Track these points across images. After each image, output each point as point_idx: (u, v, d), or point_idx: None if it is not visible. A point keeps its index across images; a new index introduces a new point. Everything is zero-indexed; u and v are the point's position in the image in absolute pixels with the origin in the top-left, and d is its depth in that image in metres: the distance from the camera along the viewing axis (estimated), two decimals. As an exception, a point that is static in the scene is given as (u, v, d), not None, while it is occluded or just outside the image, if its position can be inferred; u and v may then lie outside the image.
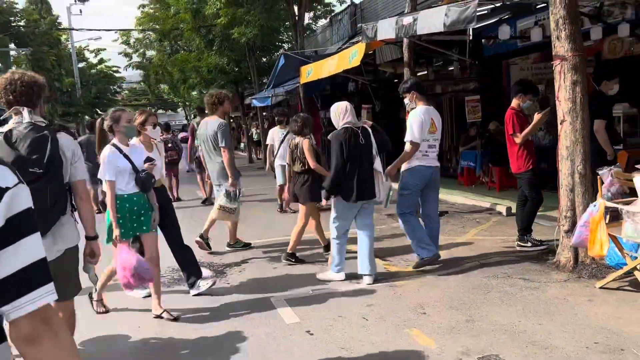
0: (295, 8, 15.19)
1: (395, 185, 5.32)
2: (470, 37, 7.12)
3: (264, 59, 21.18)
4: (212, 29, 16.80)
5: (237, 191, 6.09)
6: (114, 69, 39.07)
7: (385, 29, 6.79)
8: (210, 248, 6.51)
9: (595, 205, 4.30)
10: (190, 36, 17.85)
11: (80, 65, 37.04)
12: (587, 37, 7.47)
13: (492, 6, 7.09)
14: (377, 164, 4.98)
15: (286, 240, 6.00)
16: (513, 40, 10.66)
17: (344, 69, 8.88)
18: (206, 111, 6.54)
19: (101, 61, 36.95)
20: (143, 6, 22.08)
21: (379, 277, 4.98)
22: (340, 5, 18.84)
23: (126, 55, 29.13)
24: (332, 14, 19.67)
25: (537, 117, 5.51)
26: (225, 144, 5.96)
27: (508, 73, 12.27)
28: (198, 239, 6.34)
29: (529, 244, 5.61)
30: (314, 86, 13.40)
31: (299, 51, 12.18)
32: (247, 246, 6.65)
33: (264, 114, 27.28)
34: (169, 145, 10.48)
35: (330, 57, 9.89)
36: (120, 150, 4.08)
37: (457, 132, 12.25)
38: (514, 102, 5.79)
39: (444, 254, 5.70)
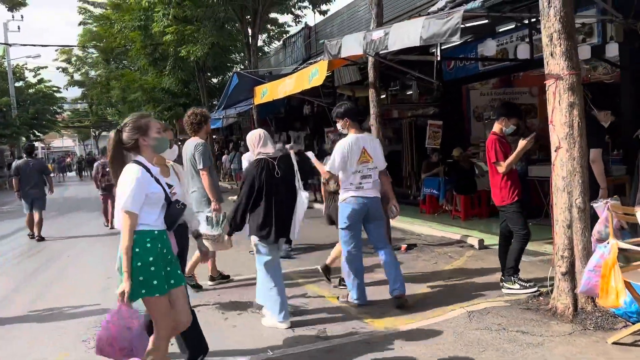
0: (249, 29, 14.49)
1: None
2: (439, 58, 6.58)
3: (215, 80, 20.29)
4: (158, 47, 15.80)
5: (221, 216, 5.13)
6: (55, 88, 36.99)
7: (351, 45, 6.13)
8: (200, 288, 5.70)
9: (606, 246, 3.66)
10: (137, 54, 16.74)
11: (18, 84, 34.83)
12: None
13: (475, 20, 6.56)
14: (301, 197, 4.43)
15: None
16: (473, 64, 10.35)
17: (302, 89, 8.16)
18: (187, 132, 5.70)
19: (41, 81, 34.83)
20: (84, 23, 20.79)
21: (357, 330, 4.18)
22: (296, 25, 18.28)
23: (64, 70, 27.34)
24: (286, 37, 19.09)
25: (521, 143, 4.91)
26: (204, 164, 5.30)
27: (468, 98, 11.96)
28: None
29: (517, 286, 4.94)
30: (268, 108, 12.63)
31: (252, 70, 11.38)
32: (225, 278, 6.00)
33: (214, 137, 26.35)
34: (107, 169, 9.96)
35: (287, 76, 9.14)
36: (151, 173, 3.00)
37: (417, 158, 11.72)
38: (496, 127, 5.18)
39: (420, 296, 5.07)
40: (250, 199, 4.30)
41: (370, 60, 7.02)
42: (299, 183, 4.43)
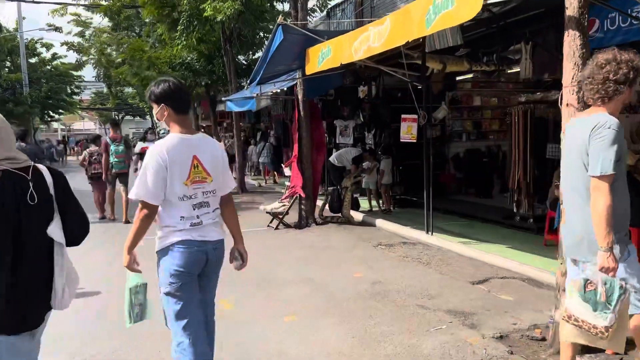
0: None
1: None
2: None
3: (242, 58, 16.72)
4: (176, 6, 12.20)
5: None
6: (71, 65, 33.77)
7: None
8: None
9: None
10: (150, 14, 13.08)
11: (32, 60, 31.75)
12: None
13: None
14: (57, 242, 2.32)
15: None
16: (636, 25, 6.64)
17: (409, 39, 4.45)
18: None
19: (55, 56, 31.66)
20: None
21: None
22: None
23: (76, 50, 23.74)
24: (332, 4, 15.34)
25: None
26: None
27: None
28: None
29: None
30: (318, 85, 9.03)
31: (300, 22, 7.70)
32: None
33: (240, 124, 22.65)
34: (94, 157, 9.88)
35: (369, 23, 5.41)
36: None
37: (535, 163, 7.99)
38: None
39: None
40: None
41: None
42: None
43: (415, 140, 7.22)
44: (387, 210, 10.04)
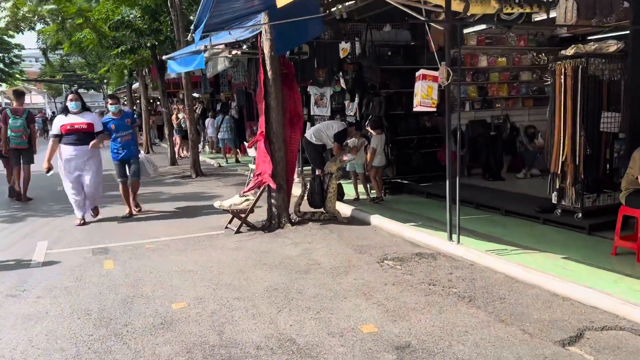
0: None
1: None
2: None
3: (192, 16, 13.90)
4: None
5: None
6: (10, 33, 29.67)
7: None
8: None
9: None
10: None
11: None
12: None
13: None
14: None
15: None
16: None
17: None
18: None
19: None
20: None
21: None
22: None
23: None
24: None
25: None
26: None
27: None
28: None
29: None
30: (287, 38, 6.53)
31: None
32: None
33: (198, 96, 19.84)
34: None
35: None
36: None
37: (589, 136, 5.81)
38: None
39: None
40: None
41: None
42: None
43: (435, 108, 4.91)
44: (378, 199, 7.79)
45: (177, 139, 15.81)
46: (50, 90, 53.50)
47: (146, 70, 18.13)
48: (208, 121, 15.86)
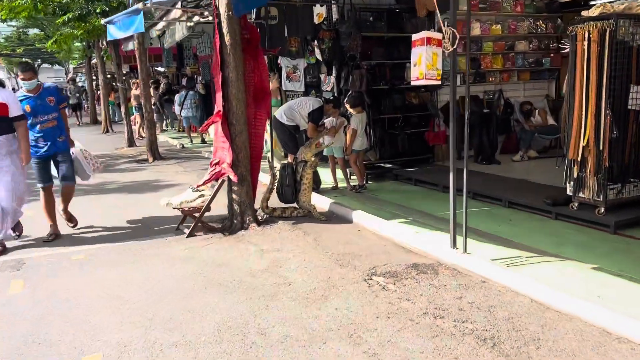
0: None
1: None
2: None
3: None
4: None
5: None
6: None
7: None
8: None
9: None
10: None
11: None
12: None
13: None
14: None
15: None
16: None
17: None
18: None
19: None
20: None
21: None
22: None
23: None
24: None
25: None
26: None
27: None
28: None
29: None
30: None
31: None
32: None
33: (163, 70, 18.28)
34: None
35: None
36: None
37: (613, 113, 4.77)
38: None
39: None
40: None
41: None
42: None
43: (440, 81, 3.76)
44: (360, 187, 6.70)
45: (137, 116, 14.38)
46: (9, 64, 50.31)
47: (105, 42, 16.49)
48: (175, 98, 14.45)
